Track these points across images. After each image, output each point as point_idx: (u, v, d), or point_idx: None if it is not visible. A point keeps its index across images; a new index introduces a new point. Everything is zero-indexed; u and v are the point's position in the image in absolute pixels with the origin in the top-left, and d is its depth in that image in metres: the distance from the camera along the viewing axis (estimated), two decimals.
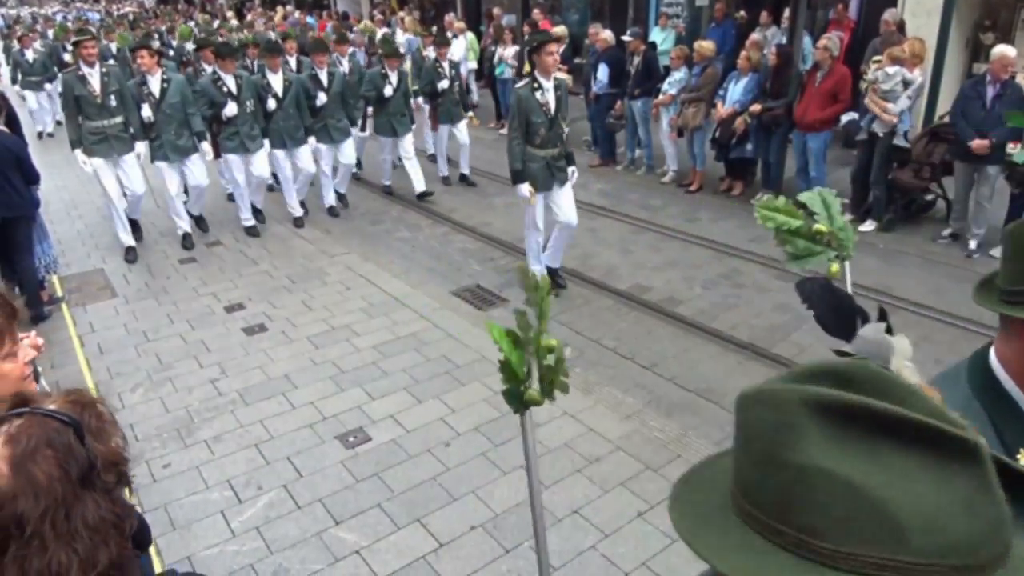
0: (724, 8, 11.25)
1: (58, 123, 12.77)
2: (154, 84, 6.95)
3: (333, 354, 5.17)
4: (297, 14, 19.06)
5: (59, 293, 6.29)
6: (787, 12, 9.55)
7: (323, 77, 7.88)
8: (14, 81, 13.16)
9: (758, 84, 8.09)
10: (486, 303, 6.06)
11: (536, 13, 12.66)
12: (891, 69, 6.95)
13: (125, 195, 7.17)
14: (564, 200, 5.90)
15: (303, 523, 3.57)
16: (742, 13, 11.57)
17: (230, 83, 7.27)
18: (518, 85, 5.80)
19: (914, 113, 7.48)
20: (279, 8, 19.34)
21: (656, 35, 11.42)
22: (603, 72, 9.50)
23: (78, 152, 6.67)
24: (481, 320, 5.70)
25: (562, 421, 4.31)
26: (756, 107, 7.86)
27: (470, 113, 9.68)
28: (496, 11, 13.87)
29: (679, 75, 8.71)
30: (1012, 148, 6.42)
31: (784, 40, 9.35)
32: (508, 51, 11.72)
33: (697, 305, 5.87)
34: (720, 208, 8.20)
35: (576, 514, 3.60)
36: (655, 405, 4.52)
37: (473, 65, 12.96)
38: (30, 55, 13.12)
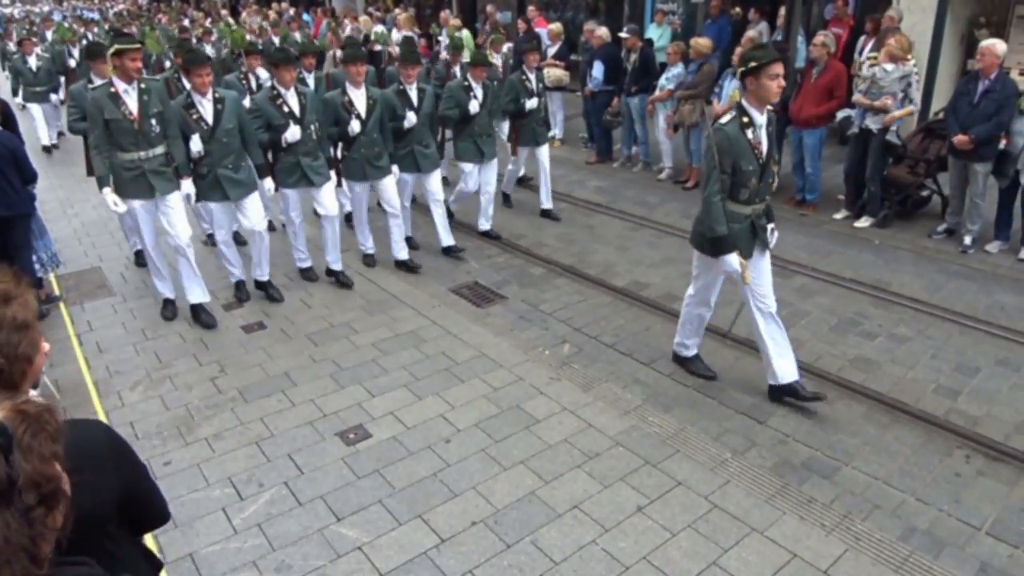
0: (720, 4, 11.27)
1: (60, 134, 11.96)
2: (206, 106, 5.52)
3: (333, 352, 5.18)
4: (292, 11, 19.01)
5: (57, 292, 6.28)
6: (782, 10, 9.60)
7: (412, 94, 6.45)
8: (15, 92, 11.39)
9: None
10: (485, 300, 6.08)
11: (531, 11, 12.65)
12: (889, 66, 6.98)
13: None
14: (766, 271, 4.44)
15: (304, 520, 3.59)
16: (737, 9, 11.60)
17: (292, 101, 5.89)
18: (723, 121, 4.23)
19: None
20: (274, 5, 19.28)
21: (652, 31, 11.44)
22: (598, 69, 9.50)
23: (107, 191, 5.29)
24: (480, 317, 5.72)
25: (562, 416, 4.33)
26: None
27: (552, 133, 8.56)
28: (490, 8, 13.87)
29: (675, 71, 8.73)
30: (1003, 144, 6.46)
31: (779, 37, 9.39)
32: (503, 48, 11.71)
33: None
34: None
35: (576, 509, 3.62)
36: (654, 401, 4.54)
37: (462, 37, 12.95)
38: (32, 62, 11.35)
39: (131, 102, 5.20)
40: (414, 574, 3.24)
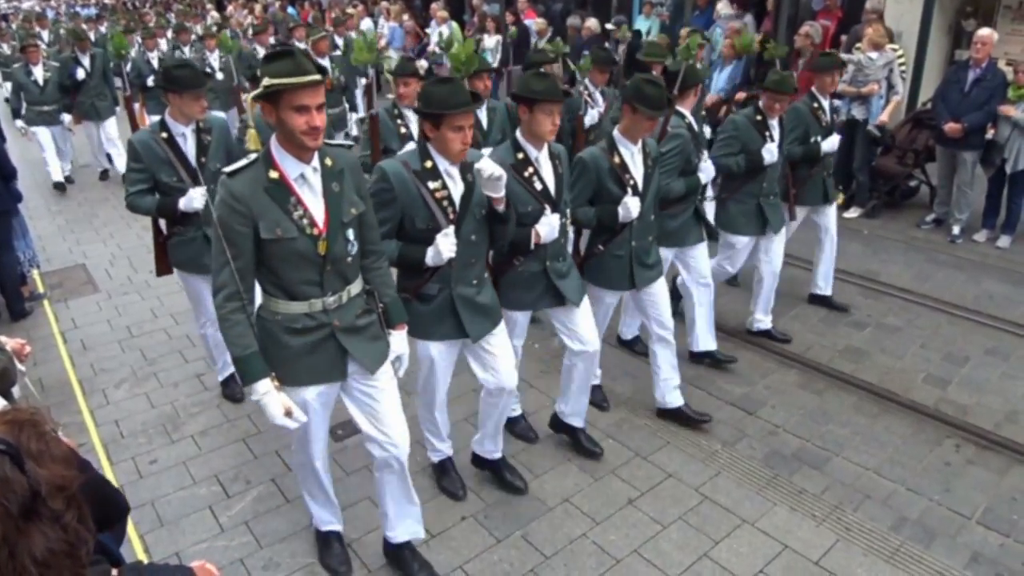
0: None
1: (68, 180, 9.47)
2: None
3: None
4: (277, 5, 18.84)
5: (40, 289, 6.20)
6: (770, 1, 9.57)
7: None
8: (16, 114, 8.81)
9: (742, 72, 8.09)
10: None
11: (521, 2, 12.59)
12: (873, 54, 6.99)
13: None
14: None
15: (293, 517, 3.55)
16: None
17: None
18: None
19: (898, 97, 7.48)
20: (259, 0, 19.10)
21: (640, 23, 11.40)
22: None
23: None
24: None
25: (552, 410, 4.30)
26: (740, 95, 7.87)
27: None
28: (477, 0, 13.79)
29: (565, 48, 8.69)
30: (990, 134, 6.48)
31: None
32: (491, 40, 11.65)
33: None
34: None
35: (567, 503, 3.60)
36: (644, 393, 4.52)
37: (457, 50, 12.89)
38: (39, 74, 8.66)
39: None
40: (403, 570, 3.21)
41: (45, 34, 14.12)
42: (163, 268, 4.27)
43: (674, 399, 4.17)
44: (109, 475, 3.88)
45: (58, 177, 9.12)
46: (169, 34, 10.99)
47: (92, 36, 12.02)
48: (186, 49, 9.70)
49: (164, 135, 3.86)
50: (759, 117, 4.65)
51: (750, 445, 4.03)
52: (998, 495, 3.64)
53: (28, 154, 9.80)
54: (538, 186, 3.31)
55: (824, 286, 5.55)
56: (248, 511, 3.61)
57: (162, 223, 4.18)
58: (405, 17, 13.03)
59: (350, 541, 3.38)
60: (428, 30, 12.98)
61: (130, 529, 3.37)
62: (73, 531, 1.12)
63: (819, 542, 3.35)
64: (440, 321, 3.17)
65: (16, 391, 2.65)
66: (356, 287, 2.75)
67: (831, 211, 5.33)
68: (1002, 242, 6.63)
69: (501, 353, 3.32)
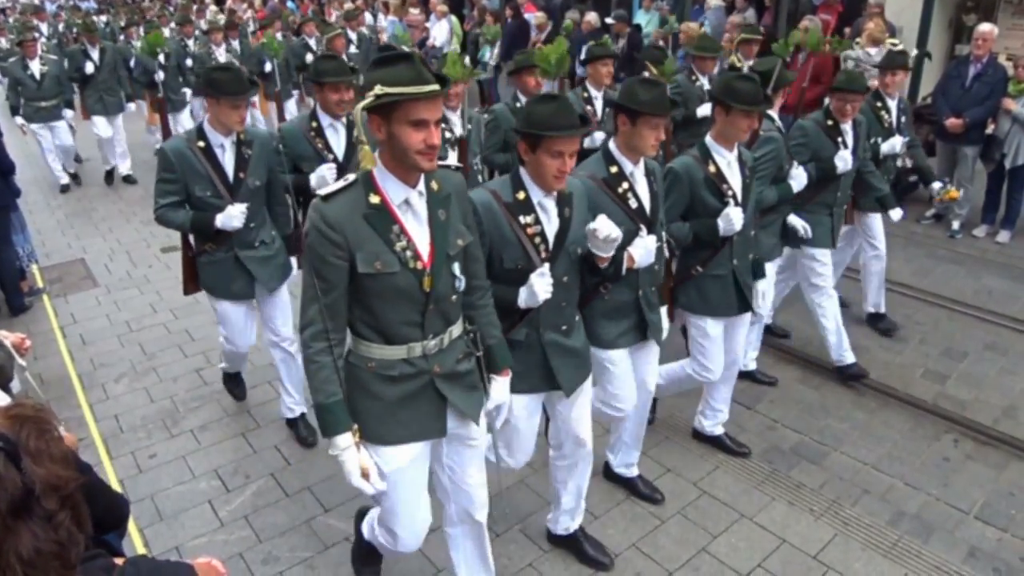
0: None
1: (74, 177, 9.21)
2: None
3: None
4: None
5: (40, 284, 6.20)
6: None
7: None
8: (15, 111, 8.27)
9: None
10: None
11: None
12: (872, 50, 6.99)
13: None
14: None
15: (292, 511, 3.56)
16: None
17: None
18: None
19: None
20: None
21: (640, 17, 11.37)
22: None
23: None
24: None
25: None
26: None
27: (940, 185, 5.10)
28: None
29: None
30: (990, 129, 6.45)
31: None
32: (490, 33, 11.63)
33: None
34: None
35: None
36: None
37: (456, 48, 12.85)
38: (36, 69, 8.14)
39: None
40: (402, 564, 3.21)
41: (44, 27, 13.61)
42: (191, 287, 3.88)
43: (718, 429, 3.95)
44: (109, 470, 3.89)
45: (64, 179, 8.82)
46: (172, 25, 10.88)
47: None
48: (190, 42, 9.55)
49: (201, 144, 3.50)
50: (830, 122, 4.23)
51: (748, 440, 4.04)
52: (996, 490, 3.65)
53: (26, 149, 9.78)
54: (633, 204, 2.95)
55: (874, 303, 5.18)
56: (247, 505, 3.61)
57: (191, 237, 3.79)
58: (415, 11, 12.94)
59: (349, 535, 3.39)
60: (428, 24, 12.94)
61: (130, 523, 3.37)
62: (65, 532, 1.11)
63: (817, 536, 3.35)
64: (528, 371, 2.75)
65: (17, 385, 2.64)
66: (458, 328, 2.40)
67: (881, 219, 4.92)
68: (1001, 237, 6.63)
69: (583, 401, 2.93)
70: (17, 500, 1.05)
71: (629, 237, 2.88)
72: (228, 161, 3.55)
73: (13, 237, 5.73)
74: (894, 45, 7.11)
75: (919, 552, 3.26)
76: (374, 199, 2.14)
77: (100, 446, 4.08)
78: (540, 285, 2.57)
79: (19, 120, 8.26)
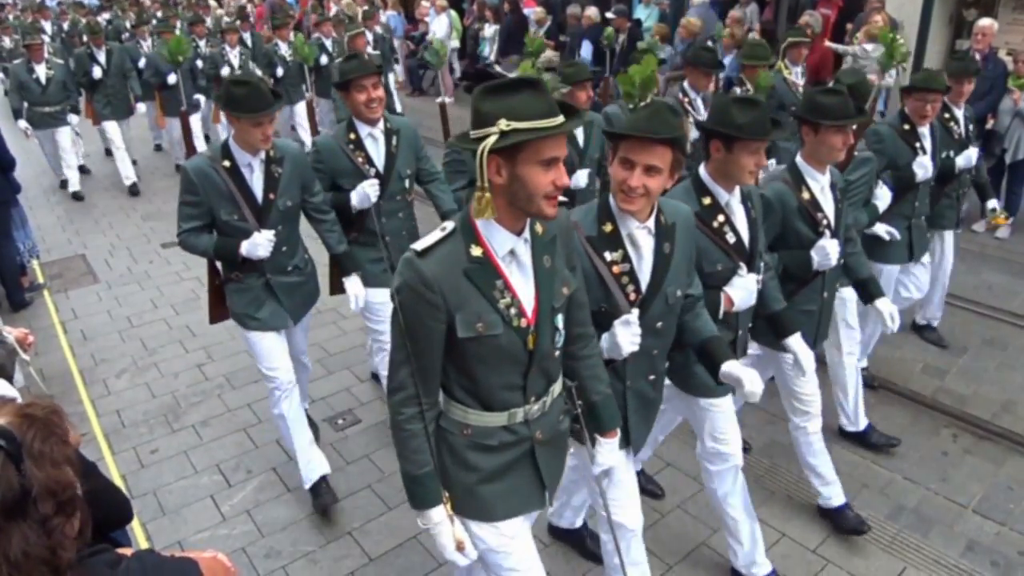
0: None
1: (82, 168, 9.01)
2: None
3: (320, 337, 5.15)
4: None
5: (40, 279, 6.20)
6: None
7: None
8: (17, 114, 7.89)
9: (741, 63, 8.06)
10: None
11: None
12: (869, 46, 6.99)
13: None
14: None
15: (294, 506, 3.57)
16: None
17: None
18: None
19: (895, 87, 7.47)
20: None
21: (640, 12, 11.35)
22: (586, 49, 9.45)
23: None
24: None
25: None
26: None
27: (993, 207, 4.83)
28: None
29: (659, 54, 8.68)
30: (990, 123, 6.45)
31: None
32: (490, 30, 11.62)
33: None
34: None
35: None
36: None
37: (456, 44, 12.85)
38: (42, 72, 7.83)
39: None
40: (404, 558, 3.23)
41: (48, 26, 13.33)
42: (217, 314, 3.58)
43: None
44: (111, 465, 3.90)
45: (76, 186, 8.42)
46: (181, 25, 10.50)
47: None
48: (201, 43, 9.20)
49: (227, 164, 3.17)
50: (906, 126, 3.92)
51: (748, 435, 4.04)
52: (994, 484, 3.66)
53: (27, 145, 9.73)
54: (730, 239, 2.61)
55: (934, 315, 4.94)
56: (249, 500, 3.63)
57: (219, 264, 3.47)
58: (426, 3, 12.78)
59: (351, 529, 3.41)
60: (427, 19, 12.93)
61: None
62: (58, 537, 1.11)
63: (816, 530, 3.37)
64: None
65: (20, 380, 2.65)
66: (558, 386, 2.12)
67: (954, 236, 4.65)
68: (1001, 232, 6.63)
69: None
70: (12, 501, 1.05)
71: (726, 276, 2.62)
72: (256, 182, 3.24)
73: (14, 233, 5.74)
74: (895, 40, 7.13)
75: (918, 546, 3.28)
76: (476, 251, 1.85)
77: (102, 441, 4.10)
78: (625, 336, 2.22)
79: (22, 124, 7.91)
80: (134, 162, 8.89)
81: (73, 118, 8.13)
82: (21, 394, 2.37)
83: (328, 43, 9.27)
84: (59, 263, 6.63)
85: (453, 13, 12.86)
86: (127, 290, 6.04)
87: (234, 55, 9.02)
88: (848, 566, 3.17)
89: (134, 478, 3.79)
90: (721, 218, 2.60)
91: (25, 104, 7.85)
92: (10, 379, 2.60)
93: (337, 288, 3.74)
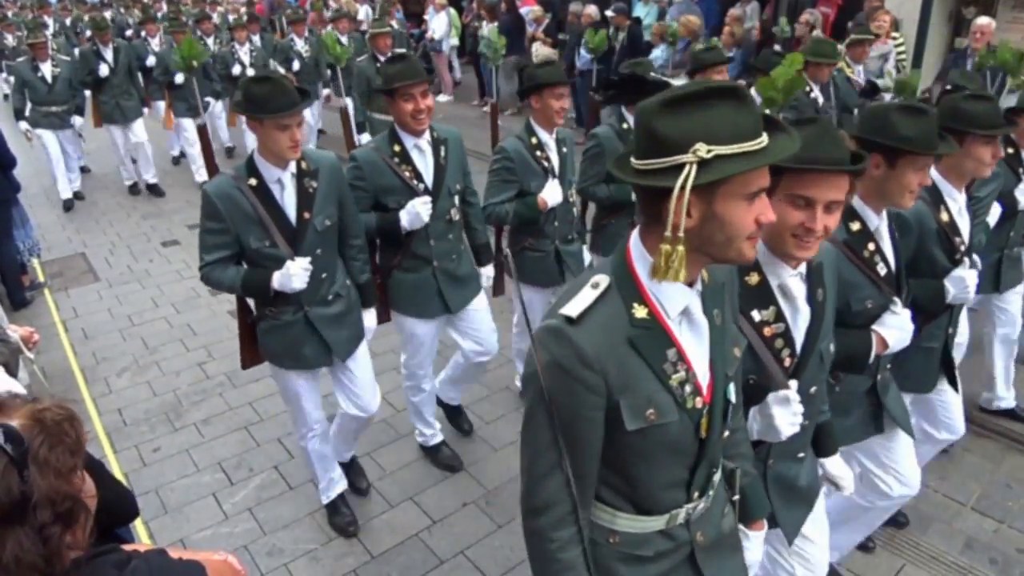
0: None
1: (84, 169, 8.92)
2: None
3: None
4: None
5: (41, 278, 6.21)
6: None
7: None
8: (19, 115, 7.58)
9: (742, 60, 8.08)
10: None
11: None
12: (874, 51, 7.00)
13: None
14: None
15: (296, 503, 3.59)
16: None
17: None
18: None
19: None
20: None
21: (640, 10, 11.35)
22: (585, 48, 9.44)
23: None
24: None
25: None
26: (740, 83, 7.86)
27: None
28: None
29: (657, 52, 8.69)
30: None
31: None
32: (489, 28, 11.60)
33: None
34: None
35: None
36: None
37: (455, 42, 12.84)
38: (47, 71, 7.57)
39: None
40: (406, 555, 3.25)
41: (50, 22, 12.87)
42: (250, 358, 3.14)
43: None
44: (113, 463, 3.91)
45: (67, 194, 8.05)
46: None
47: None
48: (209, 41, 8.90)
49: (253, 182, 2.74)
50: (1010, 150, 3.50)
51: None
52: (993, 482, 3.68)
53: (28, 143, 9.73)
54: (881, 270, 2.23)
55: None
56: (251, 498, 3.64)
57: (249, 300, 3.05)
58: None
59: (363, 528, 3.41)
60: (426, 16, 12.92)
61: None
62: (54, 547, 1.10)
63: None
64: None
65: (25, 378, 2.67)
66: (719, 473, 1.66)
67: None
68: None
69: None
70: (10, 506, 1.05)
71: (877, 313, 2.24)
72: (288, 200, 2.79)
73: (14, 232, 5.74)
74: (893, 38, 7.15)
75: (917, 543, 3.29)
76: (640, 312, 1.39)
77: (104, 440, 4.11)
78: (784, 416, 1.80)
79: (23, 126, 7.58)
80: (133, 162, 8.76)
81: (77, 120, 7.87)
82: (28, 392, 2.39)
83: (344, 39, 8.81)
84: (59, 262, 6.64)
85: (452, 11, 12.85)
86: (128, 289, 6.05)
87: (244, 52, 8.75)
88: (847, 563, 3.19)
89: (136, 476, 3.80)
90: (872, 246, 2.22)
91: (29, 104, 7.59)
92: (14, 377, 2.62)
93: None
